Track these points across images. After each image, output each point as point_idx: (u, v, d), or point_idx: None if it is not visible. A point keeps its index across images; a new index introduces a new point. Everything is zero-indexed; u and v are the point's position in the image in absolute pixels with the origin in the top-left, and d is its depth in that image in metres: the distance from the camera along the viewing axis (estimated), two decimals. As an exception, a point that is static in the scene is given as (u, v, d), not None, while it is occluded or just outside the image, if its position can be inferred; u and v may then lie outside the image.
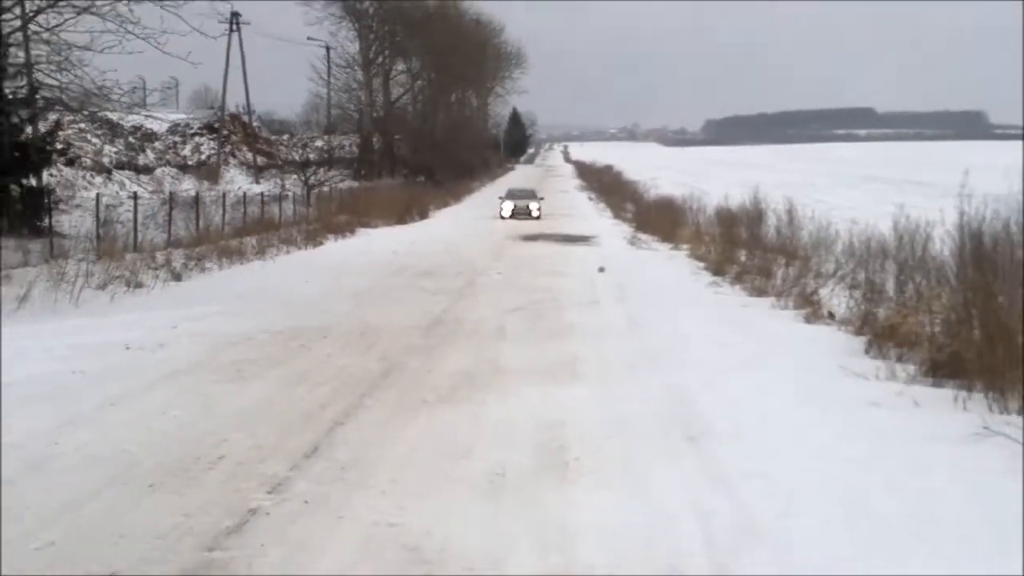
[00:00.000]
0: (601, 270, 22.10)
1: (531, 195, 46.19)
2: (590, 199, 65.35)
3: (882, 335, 11.50)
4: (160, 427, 8.10)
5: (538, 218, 42.23)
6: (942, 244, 11.52)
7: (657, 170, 66.00)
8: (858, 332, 12.32)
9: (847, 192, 23.53)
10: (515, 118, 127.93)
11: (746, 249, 22.01)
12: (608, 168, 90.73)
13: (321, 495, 6.48)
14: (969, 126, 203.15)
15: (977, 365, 8.96)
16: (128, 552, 5.45)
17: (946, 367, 9.53)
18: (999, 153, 12.73)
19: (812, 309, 14.70)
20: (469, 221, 40.99)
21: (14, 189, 22.25)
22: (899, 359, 10.49)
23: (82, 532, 5.76)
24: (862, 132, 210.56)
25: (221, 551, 5.52)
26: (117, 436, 7.79)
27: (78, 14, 20.90)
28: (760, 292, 17.43)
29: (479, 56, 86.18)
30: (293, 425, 8.25)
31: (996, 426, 7.60)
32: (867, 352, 11.17)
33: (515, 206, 42.84)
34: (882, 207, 13.84)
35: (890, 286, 13.16)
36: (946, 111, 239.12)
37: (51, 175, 24.98)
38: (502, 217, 42.21)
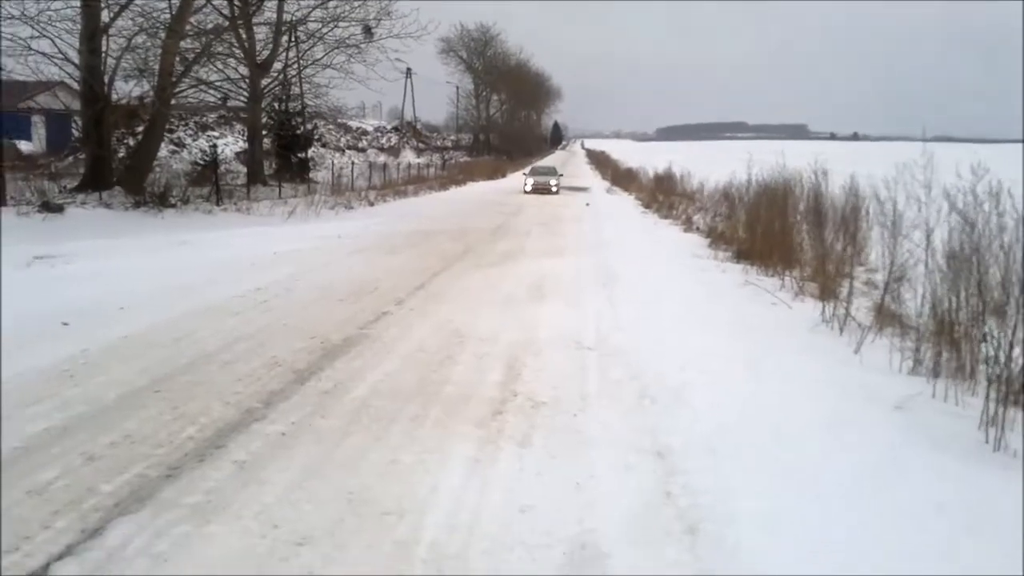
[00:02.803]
0: (587, 204, 21.94)
1: (551, 172, 28.18)
2: (591, 168, 63.78)
3: (717, 238, 11.51)
4: (348, 274, 8.55)
5: (556, 192, 25.48)
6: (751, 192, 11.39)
7: (628, 154, 64.01)
8: (707, 236, 12.31)
9: (723, 166, 22.68)
10: (556, 125, 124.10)
11: (663, 194, 21.66)
12: (603, 152, 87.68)
13: (419, 307, 6.91)
14: (798, 132, 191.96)
15: (757, 254, 9.09)
16: (327, 326, 5.96)
17: (744, 254, 9.65)
18: (811, 148, 12.36)
19: (688, 226, 14.60)
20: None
21: (293, 158, 23.07)
22: (723, 250, 10.56)
23: (309, 318, 6.27)
24: (740, 135, 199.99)
25: (367, 329, 6.00)
26: (327, 277, 8.27)
27: (324, 68, 21.37)
28: (666, 217, 17.20)
29: (537, 92, 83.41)
30: (413, 275, 8.61)
31: (753, 280, 7.84)
32: (709, 247, 11.19)
33: (535, 182, 25.95)
34: (732, 173, 13.51)
35: (724, 213, 13.08)
36: (784, 123, 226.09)
37: (312, 151, 25.40)
38: (525, 191, 25.34)
